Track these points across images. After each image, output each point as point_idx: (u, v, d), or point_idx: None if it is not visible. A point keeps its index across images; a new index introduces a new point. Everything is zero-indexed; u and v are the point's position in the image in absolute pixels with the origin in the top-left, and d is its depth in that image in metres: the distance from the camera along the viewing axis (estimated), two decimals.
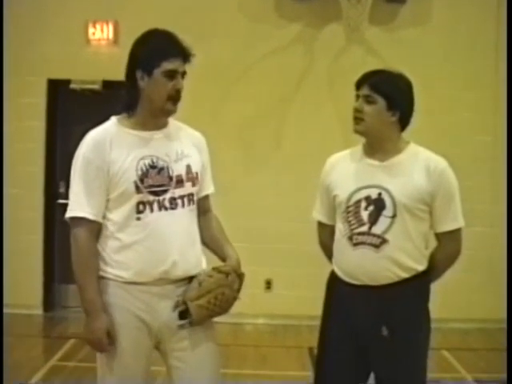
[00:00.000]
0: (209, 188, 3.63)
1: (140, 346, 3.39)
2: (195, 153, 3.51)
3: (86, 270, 3.34)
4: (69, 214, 3.35)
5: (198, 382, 3.45)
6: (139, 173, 3.32)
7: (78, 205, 3.32)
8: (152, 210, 3.34)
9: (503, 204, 7.46)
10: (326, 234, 3.90)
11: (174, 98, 3.36)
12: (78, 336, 7.11)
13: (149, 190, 3.33)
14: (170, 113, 3.42)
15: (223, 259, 3.55)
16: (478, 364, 6.76)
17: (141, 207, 3.33)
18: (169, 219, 3.36)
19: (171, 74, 3.33)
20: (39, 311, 8.25)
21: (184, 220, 3.42)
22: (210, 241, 3.59)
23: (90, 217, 3.31)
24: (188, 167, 3.44)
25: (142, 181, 3.32)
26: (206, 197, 3.63)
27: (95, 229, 3.35)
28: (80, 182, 3.32)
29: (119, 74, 3.45)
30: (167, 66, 3.31)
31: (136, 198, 3.32)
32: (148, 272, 3.34)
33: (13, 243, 7.77)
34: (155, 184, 3.35)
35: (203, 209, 3.60)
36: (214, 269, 3.46)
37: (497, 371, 5.96)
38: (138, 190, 3.31)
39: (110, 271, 3.36)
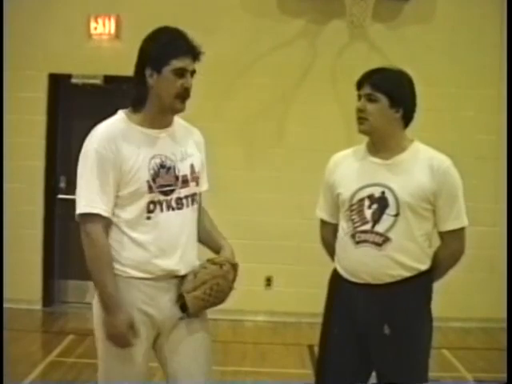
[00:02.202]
0: (204, 185, 3.62)
1: (143, 341, 3.38)
2: (196, 151, 3.52)
3: (104, 265, 3.29)
4: (83, 210, 3.28)
5: (192, 372, 3.46)
6: (151, 172, 3.32)
7: (92, 201, 3.27)
8: (162, 210, 3.35)
9: (505, 203, 7.43)
10: (328, 232, 3.89)
11: (183, 95, 3.35)
12: (77, 331, 7.12)
13: (160, 189, 3.33)
14: (178, 111, 3.41)
15: (217, 251, 3.56)
16: (478, 363, 6.74)
17: (151, 207, 3.33)
18: (176, 219, 3.38)
19: (180, 72, 3.32)
20: (38, 306, 8.22)
21: (188, 220, 3.44)
22: (203, 235, 3.58)
23: (105, 213, 3.28)
24: (192, 167, 3.45)
25: (154, 180, 3.32)
26: (200, 194, 3.61)
27: (107, 225, 3.32)
28: (93, 178, 3.27)
29: (121, 69, 3.45)
30: (176, 64, 3.30)
31: (147, 197, 3.31)
32: (154, 269, 3.34)
33: (12, 238, 7.74)
34: (165, 184, 3.35)
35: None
36: (208, 260, 3.48)
37: (497, 371, 5.95)
38: (150, 189, 3.31)
39: (116, 267, 3.33)
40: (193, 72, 3.37)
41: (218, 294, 3.41)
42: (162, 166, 3.35)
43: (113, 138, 3.31)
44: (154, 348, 3.49)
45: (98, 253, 3.28)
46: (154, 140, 3.37)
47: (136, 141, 3.34)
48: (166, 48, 3.31)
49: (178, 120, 3.52)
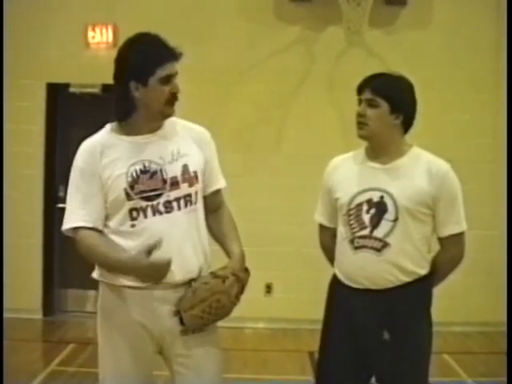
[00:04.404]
0: (217, 183, 3.58)
1: (140, 352, 3.35)
2: (195, 150, 3.44)
3: (101, 253, 3.25)
4: (66, 226, 3.31)
5: None
6: (129, 179, 3.27)
7: (75, 214, 3.28)
8: (146, 216, 3.28)
9: (503, 207, 7.44)
10: (327, 237, 3.89)
11: (172, 101, 3.32)
12: (78, 340, 7.12)
13: (140, 196, 3.27)
14: (169, 116, 3.37)
15: (228, 256, 3.50)
16: (478, 367, 6.73)
17: (134, 214, 3.28)
18: (164, 223, 3.29)
19: (166, 80, 3.28)
20: (39, 315, 8.22)
21: (181, 222, 3.34)
22: (218, 236, 3.55)
23: (88, 224, 3.26)
24: (185, 167, 3.37)
25: (132, 187, 3.27)
26: (215, 192, 3.57)
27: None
28: (76, 193, 3.30)
29: None
30: (162, 72, 3.27)
31: (128, 205, 3.27)
32: None
33: (12, 247, 7.75)
34: (147, 189, 3.29)
35: (213, 205, 3.55)
36: (211, 273, 3.39)
37: (497, 374, 5.95)
38: (128, 197, 3.26)
39: (110, 276, 3.31)
40: (176, 74, 3.33)
41: (218, 310, 3.33)
42: (143, 171, 3.29)
43: (92, 151, 3.30)
44: (163, 358, 3.45)
45: (91, 248, 3.26)
46: (138, 146, 3.33)
47: (117, 151, 3.31)
48: (149, 58, 3.26)
49: (173, 120, 3.45)
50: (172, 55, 3.29)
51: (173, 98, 3.32)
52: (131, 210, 3.27)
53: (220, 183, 3.60)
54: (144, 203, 3.28)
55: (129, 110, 3.32)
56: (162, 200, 3.30)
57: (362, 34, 7.77)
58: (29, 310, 8.06)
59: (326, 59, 8.02)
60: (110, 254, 3.25)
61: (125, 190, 3.26)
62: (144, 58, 3.25)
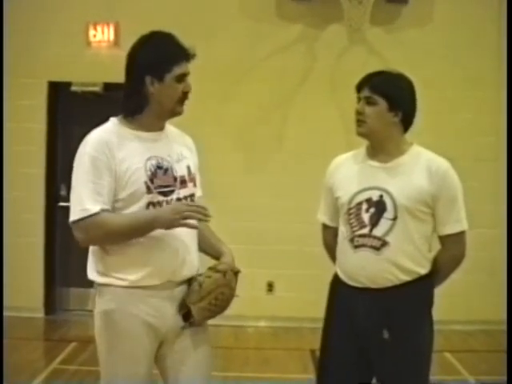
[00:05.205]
0: (199, 191, 3.60)
1: (146, 352, 3.36)
2: (190, 155, 3.52)
3: (130, 216, 3.24)
4: (78, 216, 3.21)
5: (194, 382, 3.45)
6: (148, 173, 3.29)
7: (87, 204, 3.18)
8: None
9: (504, 205, 7.44)
10: (330, 236, 3.89)
11: (183, 99, 3.37)
12: (79, 339, 7.12)
13: (158, 190, 3.30)
14: (179, 114, 3.41)
15: (217, 257, 3.53)
16: (480, 366, 6.74)
17: (150, 208, 3.29)
18: None
19: (181, 78, 3.33)
20: (40, 314, 8.22)
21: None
22: (201, 241, 3.54)
23: (99, 211, 3.20)
24: (188, 168, 3.44)
25: (151, 181, 3.29)
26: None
27: None
28: (87, 182, 3.21)
29: (120, 76, 3.42)
30: (178, 70, 3.31)
31: (146, 198, 3.27)
32: (158, 273, 3.31)
33: (13, 246, 7.76)
34: (163, 184, 3.32)
35: None
36: (211, 268, 3.44)
37: (499, 373, 5.93)
38: (148, 190, 3.27)
39: (117, 276, 3.29)
40: (189, 74, 3.38)
41: (223, 303, 3.40)
42: (158, 166, 3.33)
43: (106, 141, 3.27)
44: (155, 356, 3.45)
45: (111, 219, 3.22)
46: (149, 142, 3.35)
47: (130, 143, 3.31)
48: (167, 55, 3.31)
49: (168, 125, 3.50)
50: (187, 55, 3.34)
51: (184, 97, 3.37)
52: (148, 204, 3.28)
53: (200, 192, 3.62)
54: (161, 198, 3.31)
55: (141, 105, 3.34)
56: (174, 196, 3.34)
57: (363, 32, 7.79)
58: (30, 309, 8.07)
59: (327, 57, 8.03)
60: (133, 214, 3.25)
61: (145, 183, 3.28)
62: (162, 55, 3.30)
